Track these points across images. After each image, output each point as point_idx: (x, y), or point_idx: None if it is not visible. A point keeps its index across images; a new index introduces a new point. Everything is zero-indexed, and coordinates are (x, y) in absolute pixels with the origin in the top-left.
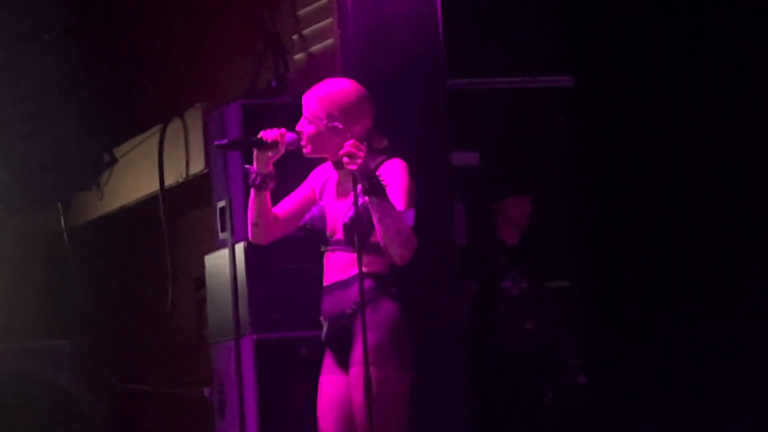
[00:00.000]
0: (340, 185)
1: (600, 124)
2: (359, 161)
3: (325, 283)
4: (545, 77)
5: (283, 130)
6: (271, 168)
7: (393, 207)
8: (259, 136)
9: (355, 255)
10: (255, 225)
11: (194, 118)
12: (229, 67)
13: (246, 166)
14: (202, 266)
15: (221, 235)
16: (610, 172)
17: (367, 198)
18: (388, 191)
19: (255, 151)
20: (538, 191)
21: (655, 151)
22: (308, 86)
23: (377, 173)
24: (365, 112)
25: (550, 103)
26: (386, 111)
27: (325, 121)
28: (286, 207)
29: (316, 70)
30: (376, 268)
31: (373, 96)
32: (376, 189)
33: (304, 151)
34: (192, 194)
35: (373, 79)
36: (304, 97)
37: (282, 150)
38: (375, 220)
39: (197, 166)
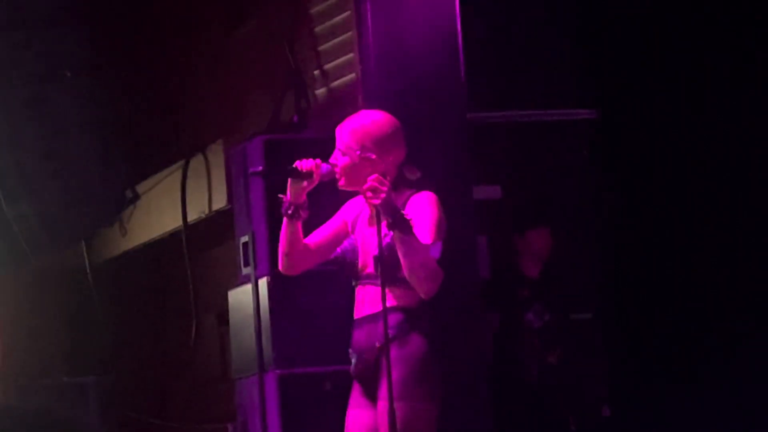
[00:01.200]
0: (372, 219)
1: (624, 155)
2: (382, 196)
3: (356, 316)
4: (568, 110)
5: (318, 160)
6: (304, 198)
7: (418, 241)
8: (294, 165)
9: (388, 289)
10: (286, 255)
11: (216, 154)
12: (251, 103)
13: (280, 195)
14: (226, 302)
15: (244, 270)
16: (635, 204)
17: (392, 234)
18: (415, 224)
19: (289, 181)
20: (560, 224)
21: (681, 183)
22: (330, 121)
23: (405, 206)
24: (398, 144)
25: (572, 136)
26: (408, 144)
27: (359, 153)
28: (317, 238)
29: (338, 105)
30: (406, 302)
31: None
32: (399, 224)
33: (339, 183)
34: (215, 230)
35: (394, 112)
36: (337, 130)
37: (316, 180)
38: (400, 255)
39: (219, 202)
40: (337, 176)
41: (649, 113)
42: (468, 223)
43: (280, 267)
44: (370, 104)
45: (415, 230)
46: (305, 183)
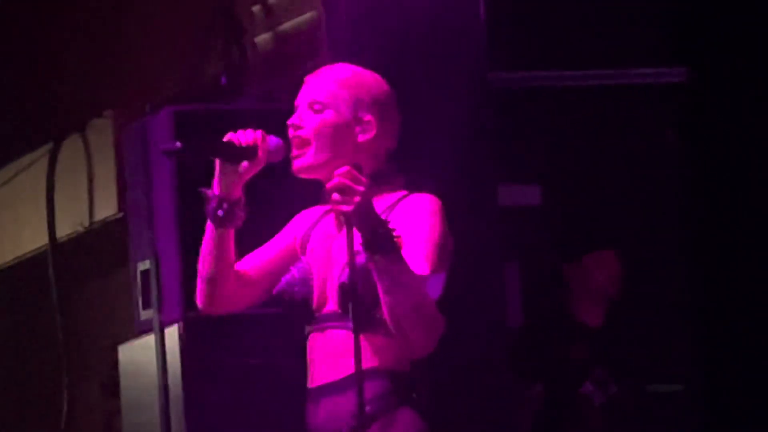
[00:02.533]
0: (334, 231)
1: (729, 138)
2: (356, 199)
3: (310, 385)
4: (643, 69)
5: (262, 132)
6: (239, 193)
7: (409, 272)
8: (227, 139)
9: (362, 338)
10: (210, 281)
11: (101, 134)
12: (154, 59)
13: (202, 189)
14: (115, 362)
15: (143, 314)
16: (744, 213)
17: (367, 256)
18: (406, 244)
19: (218, 166)
20: (632, 243)
21: None
22: (277, 84)
23: (391, 213)
24: (396, 120)
25: (650, 109)
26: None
27: (350, 110)
28: (253, 263)
29: (289, 60)
30: (390, 362)
31: None
32: (382, 243)
33: (296, 164)
34: (98, 251)
35: (377, 72)
36: (311, 79)
37: (261, 162)
38: (380, 292)
39: (106, 208)
40: (296, 153)
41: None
42: (489, 243)
43: (198, 301)
44: (340, 57)
45: (404, 254)
46: (243, 166)
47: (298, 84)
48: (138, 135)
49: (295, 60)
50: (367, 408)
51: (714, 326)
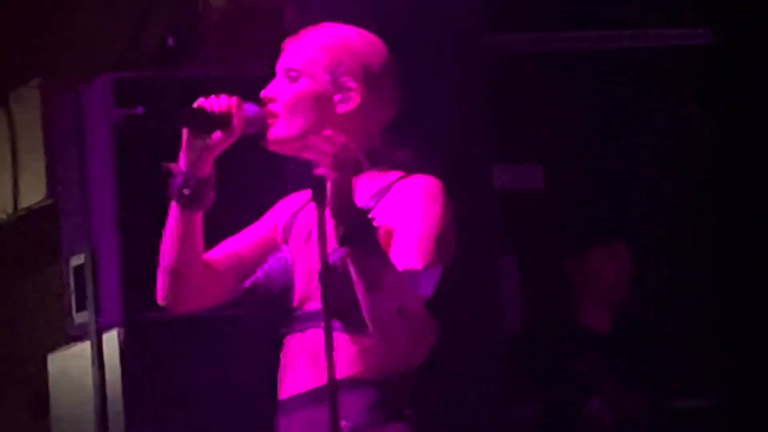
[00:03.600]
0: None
1: (760, 111)
2: (337, 155)
3: (282, 396)
4: (662, 30)
5: (237, 98)
6: (210, 169)
7: (391, 268)
8: (197, 105)
9: (344, 341)
10: (172, 272)
11: (27, 104)
12: (91, 18)
13: (166, 163)
14: (44, 373)
15: (77, 318)
16: None
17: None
18: (396, 235)
19: (185, 136)
20: (648, 235)
21: None
22: (233, 47)
23: (382, 197)
24: (391, 87)
25: (670, 75)
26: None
27: (329, 77)
28: (225, 252)
29: (246, 19)
30: (377, 371)
31: None
32: (358, 232)
33: (271, 134)
34: (23, 244)
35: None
36: (289, 43)
37: (236, 134)
38: (358, 291)
39: (33, 193)
40: (271, 121)
41: None
42: (483, 234)
43: (159, 296)
44: (307, 18)
45: (393, 246)
46: (215, 137)
47: (258, 47)
48: (70, 107)
49: (255, 20)
50: (347, 423)
51: (745, 330)
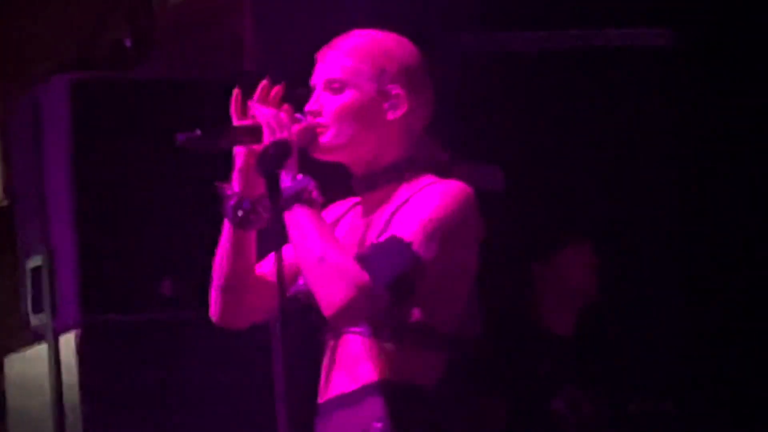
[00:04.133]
0: (364, 222)
1: (720, 110)
2: (281, 135)
3: (319, 399)
4: (623, 30)
5: (288, 107)
6: (263, 188)
7: (320, 223)
8: (253, 122)
9: (371, 346)
10: (226, 290)
11: None
12: (48, 19)
13: (219, 183)
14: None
15: (34, 319)
16: (742, 196)
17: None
18: (401, 214)
19: (240, 155)
20: (612, 236)
21: None
22: (191, 47)
23: (411, 199)
24: (430, 89)
25: (631, 76)
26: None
27: (374, 86)
28: (272, 267)
29: (205, 21)
30: (405, 373)
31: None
32: (295, 195)
33: (322, 143)
34: None
35: (314, 34)
36: (324, 54)
37: (295, 150)
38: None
39: None
40: (320, 132)
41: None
42: None
43: (213, 313)
44: (265, 18)
45: (393, 227)
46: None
47: (215, 48)
48: (27, 108)
49: (212, 21)
50: (379, 424)
51: (710, 333)
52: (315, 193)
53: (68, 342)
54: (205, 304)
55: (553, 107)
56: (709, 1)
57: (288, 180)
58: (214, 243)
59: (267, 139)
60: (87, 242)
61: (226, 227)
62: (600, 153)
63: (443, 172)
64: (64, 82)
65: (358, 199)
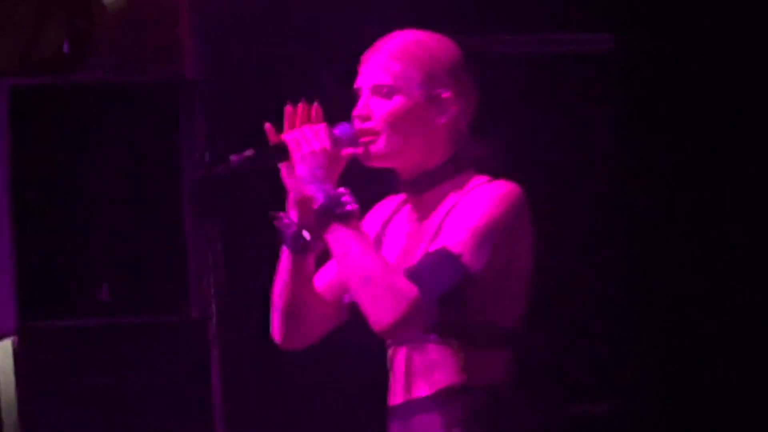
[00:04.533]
0: (413, 228)
1: (658, 116)
2: (304, 153)
3: (389, 402)
4: (562, 35)
5: (325, 125)
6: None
7: (362, 241)
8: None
9: (446, 351)
10: (290, 316)
11: None
12: None
13: (276, 213)
14: None
15: None
16: (684, 194)
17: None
18: (449, 222)
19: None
20: (554, 234)
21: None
22: (131, 52)
23: (460, 200)
24: (474, 86)
25: (570, 81)
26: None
27: (424, 91)
28: (329, 279)
29: (144, 25)
30: (482, 376)
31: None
32: (331, 206)
33: (374, 151)
34: None
35: (254, 39)
36: (370, 57)
37: (341, 163)
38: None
39: None
40: (364, 139)
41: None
42: None
43: (277, 336)
44: (205, 22)
45: (442, 236)
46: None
47: (156, 52)
48: None
49: (151, 26)
50: (458, 429)
51: (651, 332)
52: (350, 206)
53: (5, 348)
54: (141, 309)
55: (495, 110)
56: (649, 3)
57: (321, 196)
58: (152, 248)
59: (294, 154)
60: (24, 248)
61: (285, 255)
62: (541, 155)
63: (488, 170)
64: (3, 88)
65: (403, 196)
